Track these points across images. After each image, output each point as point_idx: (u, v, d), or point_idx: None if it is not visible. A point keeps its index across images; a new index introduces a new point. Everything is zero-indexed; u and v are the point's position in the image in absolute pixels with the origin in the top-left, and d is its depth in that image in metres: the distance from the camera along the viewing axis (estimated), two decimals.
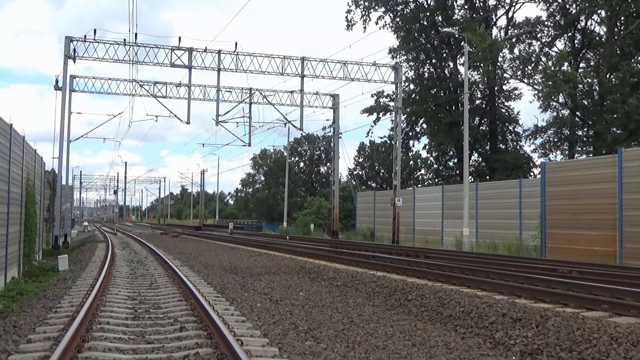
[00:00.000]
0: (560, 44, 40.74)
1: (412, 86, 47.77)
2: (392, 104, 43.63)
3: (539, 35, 41.23)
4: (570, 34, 39.78)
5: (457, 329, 8.30)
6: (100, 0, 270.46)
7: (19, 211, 13.96)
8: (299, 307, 9.83)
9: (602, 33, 37.77)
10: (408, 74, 46.80)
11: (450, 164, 50.05)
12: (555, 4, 39.62)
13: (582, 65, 39.43)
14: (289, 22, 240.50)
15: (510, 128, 46.96)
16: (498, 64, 41.45)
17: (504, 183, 29.51)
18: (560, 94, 36.32)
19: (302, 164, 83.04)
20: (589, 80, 36.45)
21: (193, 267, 16.60)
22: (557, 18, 40.21)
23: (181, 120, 32.59)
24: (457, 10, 45.92)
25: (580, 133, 38.51)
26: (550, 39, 41.00)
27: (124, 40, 29.87)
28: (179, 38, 36.14)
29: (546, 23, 40.76)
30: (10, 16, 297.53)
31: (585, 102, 37.57)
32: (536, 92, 38.82)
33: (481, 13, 44.01)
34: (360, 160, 67.86)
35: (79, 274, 14.85)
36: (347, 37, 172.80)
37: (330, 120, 41.01)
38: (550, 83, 34.70)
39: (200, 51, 31.00)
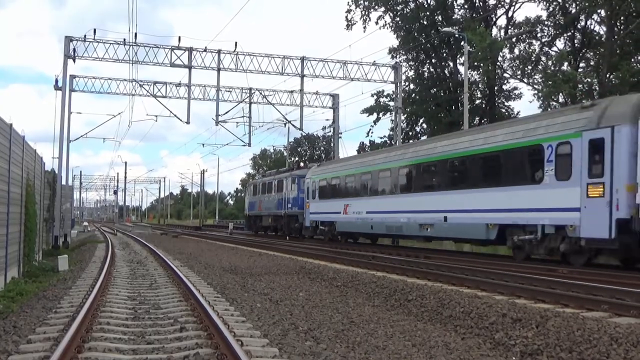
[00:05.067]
0: (560, 44, 40.74)
1: (412, 86, 47.73)
2: (392, 103, 43.58)
3: (538, 35, 41.21)
4: (570, 33, 39.74)
5: (457, 329, 8.29)
6: (100, 0, 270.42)
7: (18, 211, 13.95)
8: (299, 308, 9.82)
9: (602, 33, 37.76)
10: (408, 73, 46.79)
11: None
12: (555, 3, 39.59)
13: (582, 64, 39.39)
14: (289, 22, 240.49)
15: None
16: (498, 63, 41.41)
17: None
18: (560, 94, 36.27)
19: (302, 164, 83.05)
20: (589, 80, 36.40)
21: (193, 268, 16.60)
22: (557, 18, 40.19)
23: (181, 120, 32.70)
24: (457, 10, 45.91)
25: None
26: (550, 38, 40.96)
27: (124, 40, 29.94)
28: (179, 38, 36.22)
29: (546, 23, 40.74)
30: (12, 16, 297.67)
31: (585, 102, 37.50)
32: (536, 91, 38.81)
33: (481, 13, 43.98)
34: None
35: (79, 274, 14.85)
36: (347, 36, 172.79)
37: (330, 120, 41.03)
38: (550, 83, 34.66)
39: (200, 51, 31.02)
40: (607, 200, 13.29)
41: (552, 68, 36.52)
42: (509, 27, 43.82)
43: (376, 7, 45.37)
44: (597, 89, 35.75)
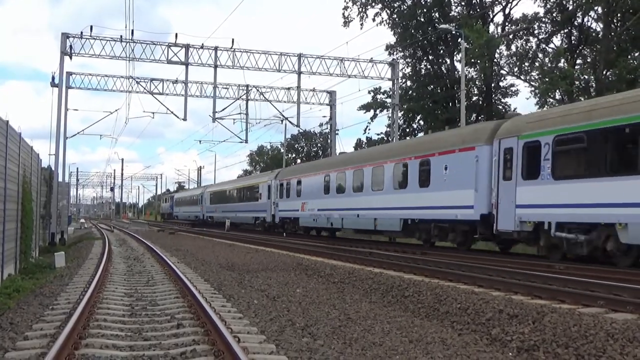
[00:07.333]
0: (557, 41, 40.78)
1: (408, 83, 47.68)
2: (389, 100, 43.60)
3: (535, 32, 41.22)
4: (567, 30, 39.76)
5: (454, 325, 8.31)
6: None
7: (15, 208, 13.93)
8: (296, 304, 9.83)
9: (598, 29, 37.79)
10: (405, 70, 46.73)
11: None
12: (552, 0, 39.61)
13: (578, 61, 39.41)
14: (286, 19, 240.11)
15: None
16: (495, 60, 41.43)
17: None
18: (557, 91, 36.32)
19: (299, 161, 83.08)
20: (586, 77, 36.43)
21: (190, 264, 16.59)
22: (554, 14, 40.19)
23: (178, 117, 32.79)
24: (454, 7, 45.86)
25: None
26: (547, 35, 40.98)
27: (121, 36, 29.90)
28: (176, 35, 36.25)
29: (543, 19, 40.75)
30: (9, 13, 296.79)
31: (582, 99, 37.56)
32: (533, 88, 38.84)
33: (478, 9, 43.96)
34: None
35: (76, 271, 14.84)
36: (344, 33, 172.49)
37: (327, 117, 41.02)
38: (547, 79, 34.69)
39: (197, 48, 31.00)
40: None
41: (549, 65, 36.53)
42: (506, 24, 43.83)
43: (373, 4, 45.30)
44: (594, 85, 35.81)
